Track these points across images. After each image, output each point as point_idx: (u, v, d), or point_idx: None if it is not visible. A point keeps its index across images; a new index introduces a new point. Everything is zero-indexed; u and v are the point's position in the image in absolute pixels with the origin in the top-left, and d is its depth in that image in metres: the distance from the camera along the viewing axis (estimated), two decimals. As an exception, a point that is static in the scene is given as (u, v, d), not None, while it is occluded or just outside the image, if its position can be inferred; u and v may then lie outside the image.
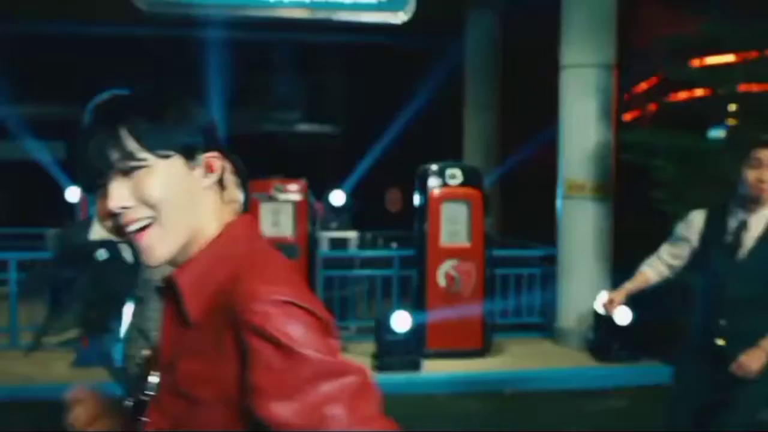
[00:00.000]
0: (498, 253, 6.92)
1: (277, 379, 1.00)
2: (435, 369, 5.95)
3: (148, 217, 1.13)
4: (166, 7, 5.94)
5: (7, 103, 9.90)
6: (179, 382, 1.12)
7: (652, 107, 7.04)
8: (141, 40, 9.80)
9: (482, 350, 6.26)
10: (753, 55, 5.44)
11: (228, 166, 1.21)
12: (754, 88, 5.35)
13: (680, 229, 3.11)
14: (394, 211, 10.59)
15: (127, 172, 1.12)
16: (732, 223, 2.94)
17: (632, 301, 5.13)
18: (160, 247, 1.14)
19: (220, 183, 1.19)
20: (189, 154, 1.16)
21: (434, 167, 6.35)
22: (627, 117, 7.71)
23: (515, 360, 6.33)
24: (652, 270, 3.13)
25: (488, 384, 5.76)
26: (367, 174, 10.85)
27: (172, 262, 1.16)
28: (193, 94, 1.22)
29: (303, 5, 5.97)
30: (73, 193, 10.02)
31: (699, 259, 3.02)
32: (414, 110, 10.53)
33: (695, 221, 3.05)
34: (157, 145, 1.12)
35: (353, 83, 12.48)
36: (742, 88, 5.38)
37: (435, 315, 6.13)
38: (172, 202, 1.14)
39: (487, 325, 6.31)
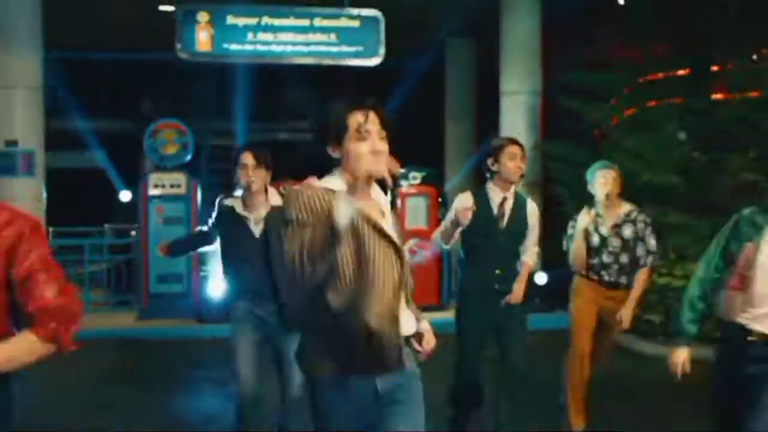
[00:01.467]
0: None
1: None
2: (401, 319, 8.18)
3: None
4: (203, 57, 8.30)
5: (69, 119, 12.26)
6: None
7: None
8: (178, 67, 12.06)
9: (438, 306, 8.48)
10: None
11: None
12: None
13: (453, 209, 3.96)
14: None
15: None
16: (495, 200, 3.93)
17: (547, 266, 7.35)
18: None
19: None
20: None
21: (401, 171, 8.61)
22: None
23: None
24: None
25: (439, 328, 7.93)
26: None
27: None
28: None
29: (302, 54, 8.29)
30: (124, 195, 12.42)
31: (473, 228, 3.75)
32: (404, 122, 12.73)
33: (464, 201, 3.94)
34: None
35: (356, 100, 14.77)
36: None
37: (402, 280, 8.37)
38: None
39: (441, 287, 8.55)
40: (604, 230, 4.39)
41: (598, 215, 4.41)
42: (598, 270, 4.40)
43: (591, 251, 4.41)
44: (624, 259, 4.36)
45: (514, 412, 3.98)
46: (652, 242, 4.36)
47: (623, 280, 4.37)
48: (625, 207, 4.45)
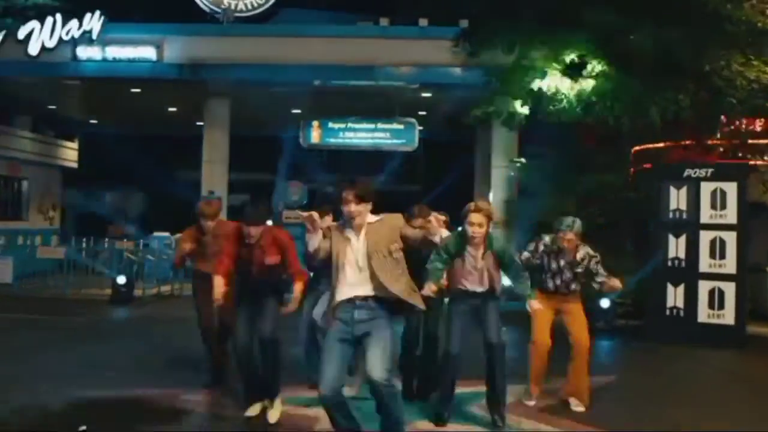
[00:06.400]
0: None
1: None
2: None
3: None
4: (315, 146, 15.68)
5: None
6: None
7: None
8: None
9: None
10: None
11: None
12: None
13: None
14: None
15: None
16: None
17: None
18: None
19: None
20: None
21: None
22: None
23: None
24: None
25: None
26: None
27: None
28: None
29: (370, 144, 15.48)
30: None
31: None
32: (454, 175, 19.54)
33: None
34: None
35: (426, 161, 21.93)
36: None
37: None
38: None
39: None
40: (562, 262, 6.31)
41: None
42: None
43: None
44: (574, 286, 6.33)
45: None
46: (601, 271, 6.34)
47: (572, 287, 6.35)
48: (580, 251, 6.35)
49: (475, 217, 5.42)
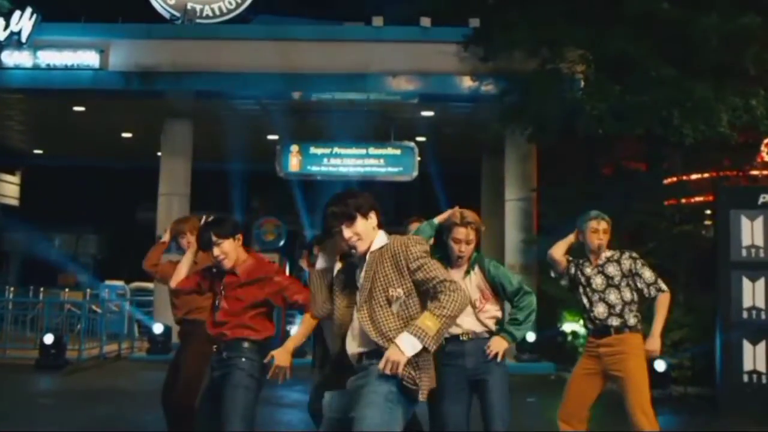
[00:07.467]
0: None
1: None
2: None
3: None
4: (294, 176, 13.29)
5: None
6: None
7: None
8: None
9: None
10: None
11: None
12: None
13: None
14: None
15: None
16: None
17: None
18: None
19: None
20: None
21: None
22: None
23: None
24: None
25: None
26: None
27: None
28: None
29: (360, 173, 13.12)
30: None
31: None
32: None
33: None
34: None
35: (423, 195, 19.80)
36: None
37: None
38: None
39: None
40: (588, 270, 5.04)
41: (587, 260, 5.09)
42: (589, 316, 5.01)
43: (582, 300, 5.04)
44: (612, 297, 4.90)
45: None
46: (647, 274, 4.90)
47: (613, 322, 4.87)
48: (607, 252, 5.02)
49: (463, 232, 4.37)
